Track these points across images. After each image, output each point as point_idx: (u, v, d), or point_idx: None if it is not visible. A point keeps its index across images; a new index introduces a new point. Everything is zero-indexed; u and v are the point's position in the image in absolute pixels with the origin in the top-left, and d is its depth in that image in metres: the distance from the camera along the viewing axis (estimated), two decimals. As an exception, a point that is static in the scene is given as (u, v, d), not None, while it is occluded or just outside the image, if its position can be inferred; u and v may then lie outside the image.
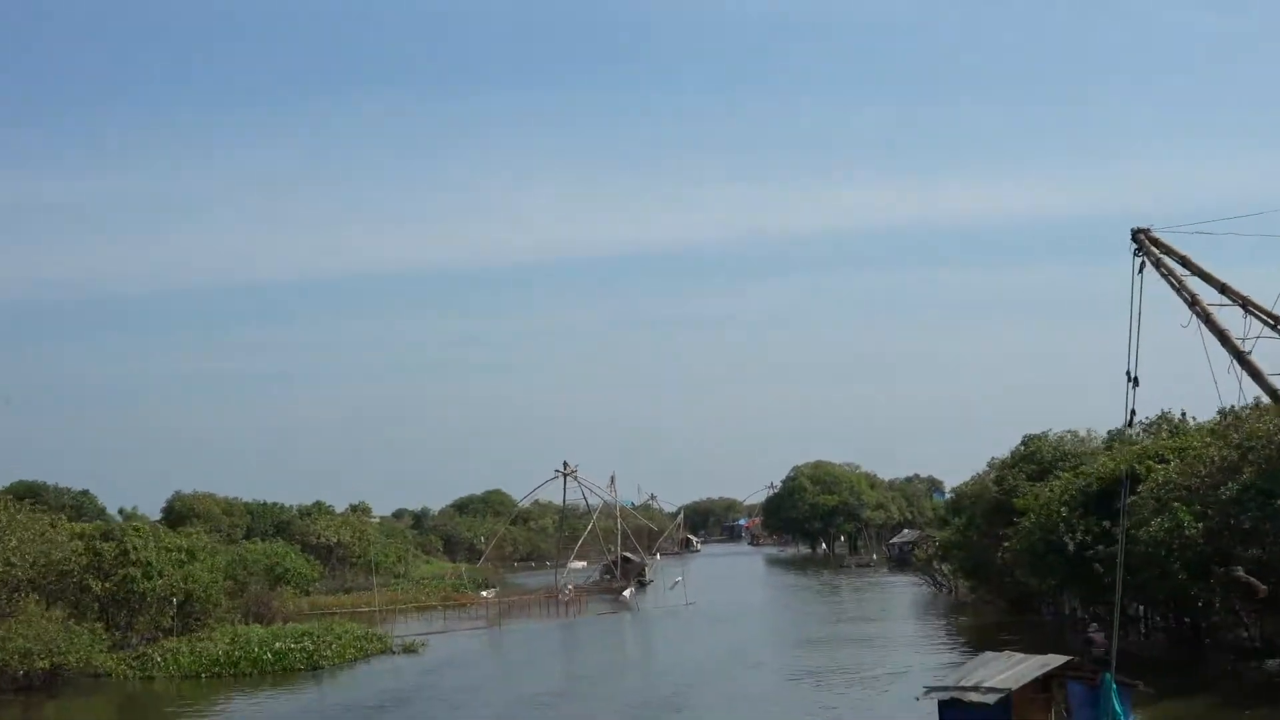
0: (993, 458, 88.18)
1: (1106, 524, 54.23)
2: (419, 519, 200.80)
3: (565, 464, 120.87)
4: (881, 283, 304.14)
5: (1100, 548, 52.93)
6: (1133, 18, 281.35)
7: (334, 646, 66.48)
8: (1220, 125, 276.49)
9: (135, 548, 69.20)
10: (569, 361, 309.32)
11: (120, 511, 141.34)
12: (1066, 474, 65.60)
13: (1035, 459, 76.55)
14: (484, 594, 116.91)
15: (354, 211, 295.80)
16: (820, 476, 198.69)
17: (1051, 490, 60.75)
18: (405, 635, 78.07)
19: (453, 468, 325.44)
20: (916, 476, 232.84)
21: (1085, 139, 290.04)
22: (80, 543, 70.09)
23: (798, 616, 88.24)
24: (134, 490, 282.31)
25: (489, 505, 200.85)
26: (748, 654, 65.29)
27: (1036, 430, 78.86)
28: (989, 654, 31.26)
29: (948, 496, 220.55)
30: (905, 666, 56.47)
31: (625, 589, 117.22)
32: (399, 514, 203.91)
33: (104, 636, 63.77)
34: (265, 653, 63.76)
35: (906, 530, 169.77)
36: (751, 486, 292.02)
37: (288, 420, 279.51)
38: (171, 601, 69.80)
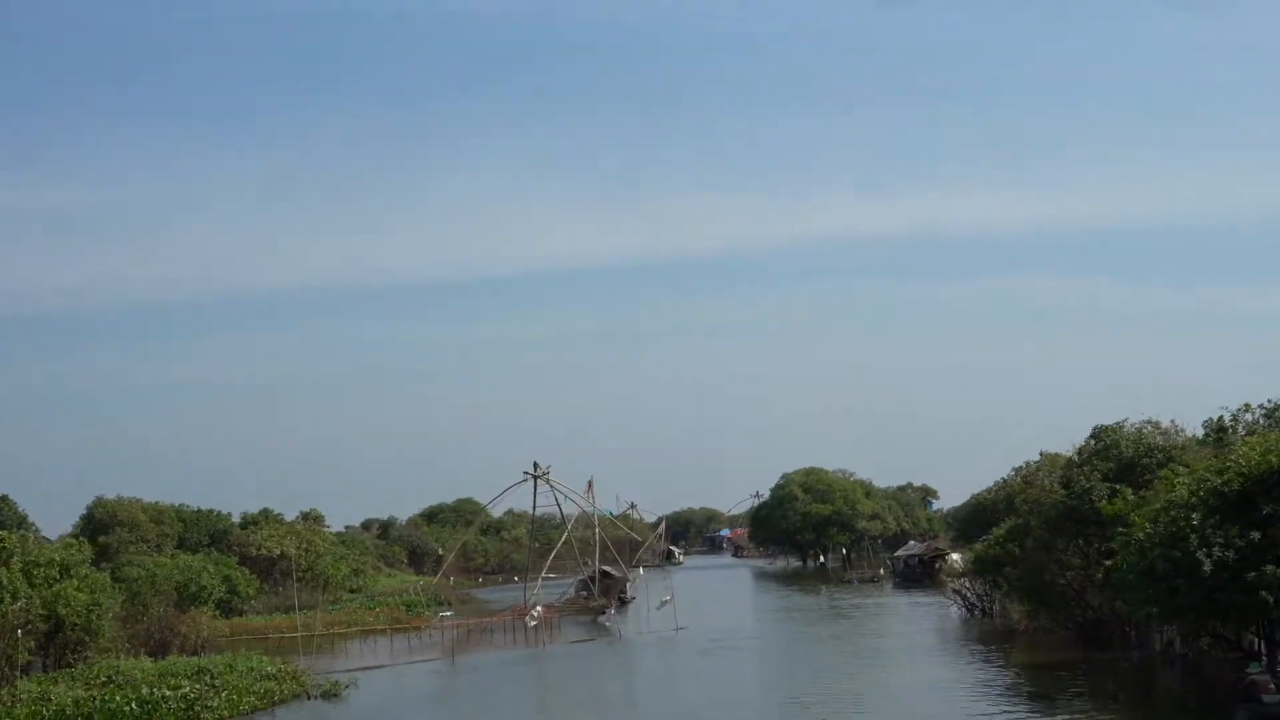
0: (1043, 453, 74.32)
1: (1255, 535, 40.94)
2: (386, 529, 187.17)
3: (536, 465, 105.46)
4: (866, 293, 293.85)
5: (1270, 567, 38.96)
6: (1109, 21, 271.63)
7: (225, 693, 50.51)
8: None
9: (-23, 563, 54.20)
10: (545, 369, 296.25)
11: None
12: (1166, 471, 51.72)
13: (1110, 455, 62.62)
14: (442, 615, 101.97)
15: (330, 221, 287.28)
16: (813, 484, 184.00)
17: (1173, 492, 46.14)
18: (333, 671, 63.09)
19: (424, 477, 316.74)
20: (910, 485, 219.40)
21: (1070, 148, 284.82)
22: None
23: (814, 647, 73.18)
24: (72, 499, 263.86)
25: (459, 514, 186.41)
26: (766, 707, 50.56)
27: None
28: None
29: (937, 507, 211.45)
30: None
31: (605, 609, 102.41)
32: (367, 524, 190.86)
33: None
34: (128, 704, 47.32)
35: (912, 542, 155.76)
36: (732, 497, 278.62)
37: (268, 430, 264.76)
38: (17, 632, 54.40)
